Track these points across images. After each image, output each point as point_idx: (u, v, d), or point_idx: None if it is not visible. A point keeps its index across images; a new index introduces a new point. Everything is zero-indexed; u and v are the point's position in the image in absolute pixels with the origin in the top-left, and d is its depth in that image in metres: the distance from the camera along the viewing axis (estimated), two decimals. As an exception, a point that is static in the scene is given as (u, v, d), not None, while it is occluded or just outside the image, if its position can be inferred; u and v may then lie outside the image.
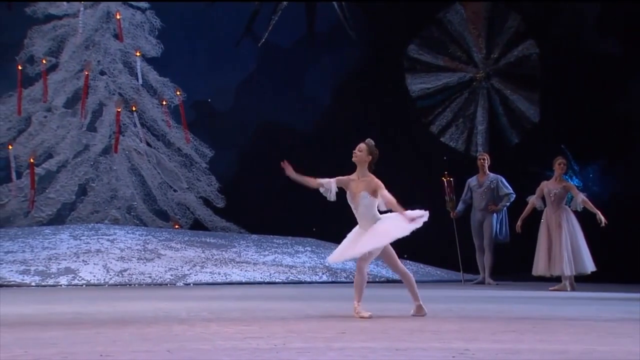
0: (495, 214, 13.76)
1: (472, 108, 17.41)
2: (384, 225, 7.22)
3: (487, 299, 9.95)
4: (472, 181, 13.93)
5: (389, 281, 13.98)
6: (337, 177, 7.38)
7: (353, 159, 7.33)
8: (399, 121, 17.37)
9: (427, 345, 5.04)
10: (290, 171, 7.39)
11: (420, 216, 7.15)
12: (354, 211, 7.31)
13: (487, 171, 13.89)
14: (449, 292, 11.39)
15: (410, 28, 17.54)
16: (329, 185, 7.34)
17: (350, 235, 7.40)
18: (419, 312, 7.35)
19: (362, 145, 7.34)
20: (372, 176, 7.30)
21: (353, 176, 7.34)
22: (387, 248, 7.30)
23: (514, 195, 13.65)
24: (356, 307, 7.10)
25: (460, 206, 13.88)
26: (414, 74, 17.50)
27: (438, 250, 14.76)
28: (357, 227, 7.38)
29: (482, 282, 13.73)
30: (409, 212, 7.15)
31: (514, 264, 14.04)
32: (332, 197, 7.36)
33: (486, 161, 13.92)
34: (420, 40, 17.46)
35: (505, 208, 13.79)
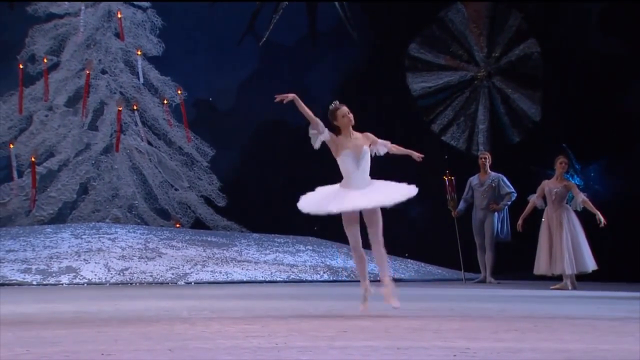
0: (496, 213, 13.76)
1: (473, 107, 17.40)
2: (388, 186, 7.04)
3: (489, 297, 9.94)
4: (474, 180, 13.93)
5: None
6: (330, 132, 7.09)
7: (352, 124, 7.13)
8: (400, 120, 17.35)
9: (429, 344, 5.03)
10: (288, 97, 6.99)
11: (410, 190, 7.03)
12: (354, 170, 7.03)
13: (489, 170, 13.89)
14: (450, 291, 11.38)
15: (411, 27, 17.53)
16: (322, 130, 7.06)
17: (331, 190, 7.09)
18: (389, 295, 7.03)
19: (347, 109, 7.15)
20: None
21: (343, 138, 7.11)
22: (379, 215, 7.08)
23: (515, 194, 13.64)
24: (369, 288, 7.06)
25: (461, 205, 13.86)
26: (415, 73, 17.49)
27: (439, 249, 14.74)
28: (339, 185, 7.12)
29: (483, 281, 13.72)
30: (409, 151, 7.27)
31: (515, 263, 14.03)
32: (317, 145, 7.13)
33: (487, 160, 13.92)
34: (421, 39, 17.45)
35: (506, 207, 13.79)
